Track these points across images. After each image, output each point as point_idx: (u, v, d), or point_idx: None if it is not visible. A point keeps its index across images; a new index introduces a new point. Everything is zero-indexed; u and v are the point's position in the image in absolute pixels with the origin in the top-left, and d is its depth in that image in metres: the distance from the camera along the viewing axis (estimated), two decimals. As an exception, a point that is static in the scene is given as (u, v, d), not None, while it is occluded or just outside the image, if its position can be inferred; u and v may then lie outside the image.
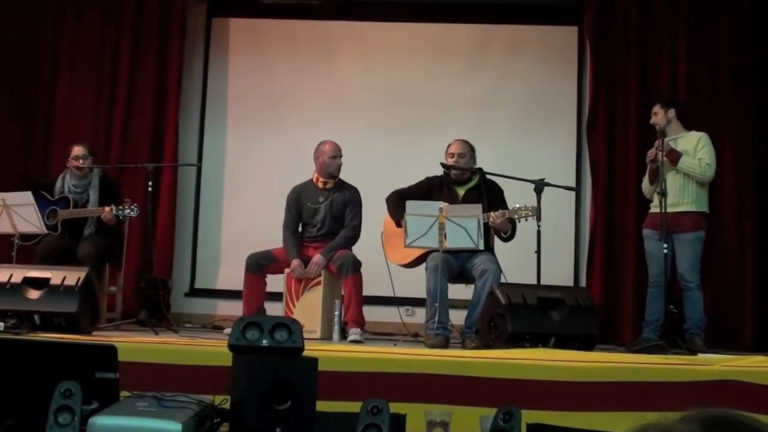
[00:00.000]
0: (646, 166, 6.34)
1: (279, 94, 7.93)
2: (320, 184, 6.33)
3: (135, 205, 6.20)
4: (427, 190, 6.08)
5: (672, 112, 6.24)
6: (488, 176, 6.09)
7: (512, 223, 5.83)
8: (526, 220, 5.68)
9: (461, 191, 6.06)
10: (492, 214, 5.70)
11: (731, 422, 1.20)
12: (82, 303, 5.19)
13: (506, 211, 5.75)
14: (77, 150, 6.54)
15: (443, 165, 6.07)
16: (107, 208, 6.20)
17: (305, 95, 7.90)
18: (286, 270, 6.14)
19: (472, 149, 6.13)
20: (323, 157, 6.27)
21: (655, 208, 6.18)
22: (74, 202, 6.45)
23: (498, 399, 3.67)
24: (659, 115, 6.21)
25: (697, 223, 6.17)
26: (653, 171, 6.14)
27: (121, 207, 6.17)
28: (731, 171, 6.91)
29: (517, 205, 5.72)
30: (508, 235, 5.87)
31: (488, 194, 5.92)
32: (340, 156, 6.28)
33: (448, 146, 6.15)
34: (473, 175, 6.08)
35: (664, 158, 5.96)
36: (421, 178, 6.23)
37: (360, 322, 5.92)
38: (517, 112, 7.73)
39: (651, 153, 6.10)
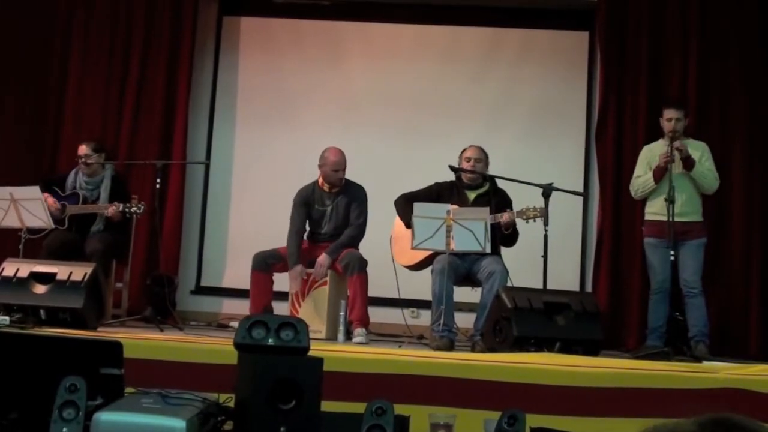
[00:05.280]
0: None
1: (288, 94, 7.93)
2: (326, 188, 6.33)
3: (141, 203, 6.21)
4: (436, 194, 6.08)
5: (687, 121, 6.23)
6: (498, 182, 6.13)
7: (515, 229, 5.87)
8: (534, 220, 5.69)
9: (471, 195, 6.07)
10: (503, 215, 5.72)
11: (731, 425, 1.21)
12: (88, 299, 5.21)
13: (514, 211, 5.77)
14: (81, 150, 6.56)
15: (452, 168, 6.06)
16: (112, 206, 6.21)
17: (314, 95, 7.91)
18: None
19: (486, 155, 6.15)
20: (325, 168, 6.27)
21: (657, 216, 6.15)
22: (84, 198, 6.46)
23: (502, 402, 3.67)
24: (681, 123, 6.15)
25: (701, 231, 6.17)
26: (662, 170, 6.09)
27: (128, 204, 6.18)
28: (739, 177, 6.89)
29: (526, 206, 5.73)
30: (510, 232, 5.86)
31: (497, 203, 5.93)
32: (343, 169, 6.26)
33: (464, 151, 6.16)
34: (484, 181, 6.10)
35: (679, 161, 5.95)
36: (429, 180, 6.23)
37: (365, 321, 5.92)
38: (526, 116, 7.71)
39: (667, 154, 6.03)
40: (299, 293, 6.08)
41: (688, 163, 6.05)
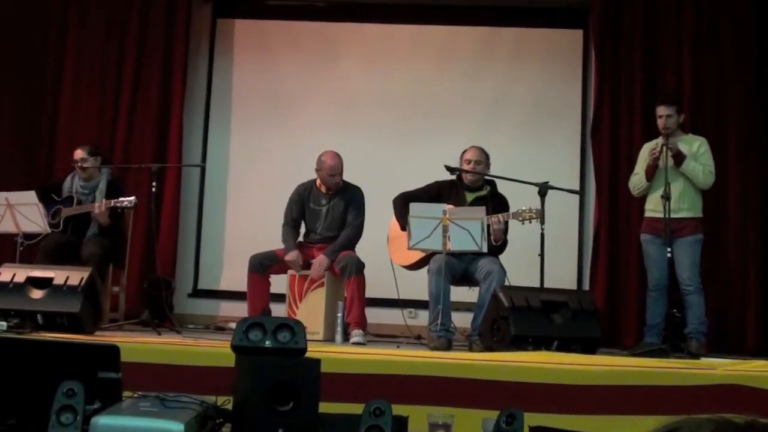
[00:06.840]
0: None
1: (283, 95, 7.93)
2: (323, 189, 6.34)
3: (133, 197, 6.18)
4: (435, 193, 6.07)
5: (682, 117, 6.22)
6: (498, 186, 6.14)
7: (505, 238, 5.88)
8: (530, 222, 5.69)
9: (470, 197, 6.07)
10: (492, 218, 5.71)
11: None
12: (85, 303, 5.19)
13: (509, 213, 5.77)
14: (77, 154, 6.55)
15: (448, 168, 6.04)
16: (97, 204, 6.19)
17: (309, 96, 7.90)
18: (290, 271, 6.14)
19: (487, 156, 6.14)
20: (322, 172, 6.29)
21: (652, 213, 6.16)
22: (79, 202, 6.45)
23: (500, 402, 3.66)
24: (673, 119, 6.15)
25: (696, 227, 6.17)
26: (652, 168, 6.09)
27: (118, 200, 6.15)
28: (735, 175, 6.90)
29: (521, 208, 5.72)
30: (499, 245, 5.87)
31: (494, 207, 5.92)
32: (340, 173, 6.26)
33: (464, 152, 6.15)
34: (484, 185, 6.09)
35: (670, 157, 5.95)
36: (425, 180, 6.23)
37: (362, 324, 5.92)
38: (522, 115, 7.72)
39: (656, 150, 6.03)
40: (297, 296, 6.08)
41: (677, 159, 6.03)
